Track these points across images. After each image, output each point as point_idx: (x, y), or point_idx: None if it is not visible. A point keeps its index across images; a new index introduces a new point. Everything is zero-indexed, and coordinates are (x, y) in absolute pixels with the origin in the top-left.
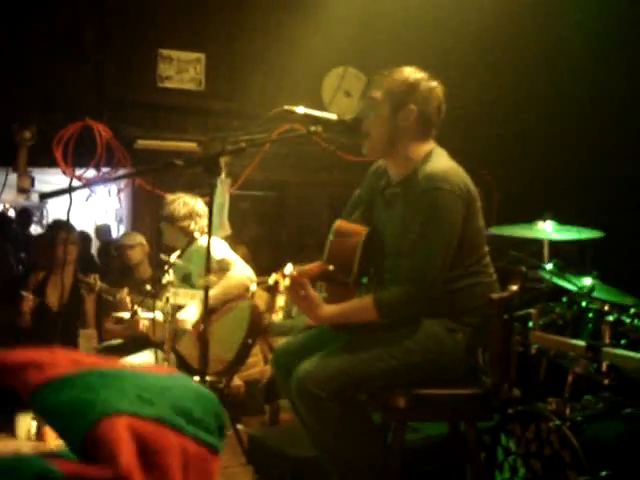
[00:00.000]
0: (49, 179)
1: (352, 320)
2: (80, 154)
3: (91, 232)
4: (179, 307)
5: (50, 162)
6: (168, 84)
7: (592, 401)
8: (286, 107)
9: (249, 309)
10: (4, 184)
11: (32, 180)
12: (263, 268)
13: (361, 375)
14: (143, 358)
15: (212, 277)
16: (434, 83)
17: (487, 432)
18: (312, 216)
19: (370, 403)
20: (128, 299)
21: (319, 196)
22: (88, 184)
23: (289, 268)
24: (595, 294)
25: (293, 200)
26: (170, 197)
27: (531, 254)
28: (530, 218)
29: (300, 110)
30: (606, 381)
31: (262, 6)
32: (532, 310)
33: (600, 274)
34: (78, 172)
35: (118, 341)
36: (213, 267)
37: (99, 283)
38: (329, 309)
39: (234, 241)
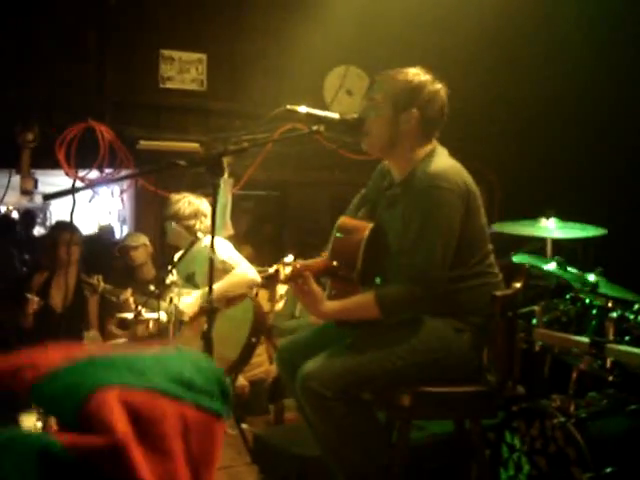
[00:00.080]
0: (52, 181)
1: (354, 316)
2: (83, 155)
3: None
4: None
5: (53, 164)
6: (170, 85)
7: (596, 398)
8: (288, 107)
9: (252, 308)
10: (7, 186)
11: (35, 182)
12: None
13: (367, 374)
14: None
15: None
16: (438, 85)
17: (492, 429)
18: (314, 215)
19: (375, 402)
20: (131, 300)
21: (321, 195)
22: (91, 185)
23: (290, 258)
24: (599, 291)
25: (295, 199)
26: (175, 196)
27: (534, 252)
28: (532, 216)
29: (302, 109)
30: (610, 377)
31: (263, 6)
32: (536, 307)
33: (604, 271)
34: (81, 173)
35: (122, 341)
36: (217, 267)
37: (102, 284)
38: (331, 305)
39: (239, 241)
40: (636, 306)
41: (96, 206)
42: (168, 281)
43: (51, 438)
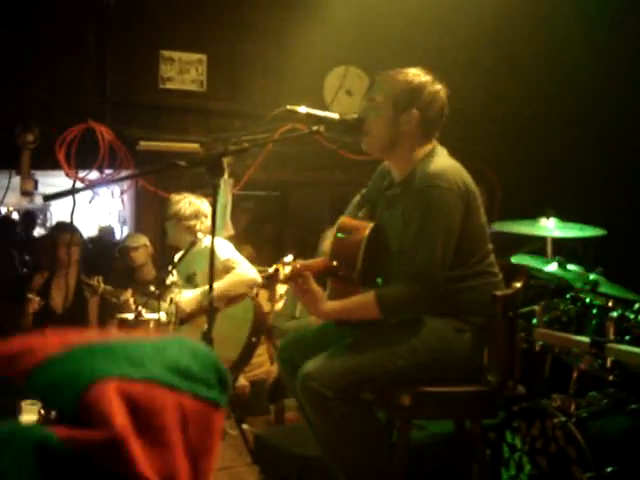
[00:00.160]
0: (52, 181)
1: (354, 316)
2: (83, 156)
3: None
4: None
5: (53, 164)
6: (170, 85)
7: (597, 397)
8: (288, 107)
9: (253, 308)
10: (7, 187)
11: (35, 183)
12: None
13: (367, 374)
14: None
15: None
16: (438, 86)
17: (492, 429)
18: (315, 216)
19: (375, 402)
20: (132, 301)
21: (321, 195)
22: (91, 186)
23: (289, 258)
24: (599, 290)
25: (295, 199)
26: (176, 197)
27: (534, 251)
28: (532, 216)
29: (302, 110)
30: (611, 377)
31: (263, 6)
32: (536, 307)
33: (604, 271)
34: (81, 174)
35: None
36: (218, 268)
37: (102, 285)
38: (331, 305)
39: (239, 241)
40: (636, 305)
41: (96, 207)
42: (168, 282)
43: (47, 431)
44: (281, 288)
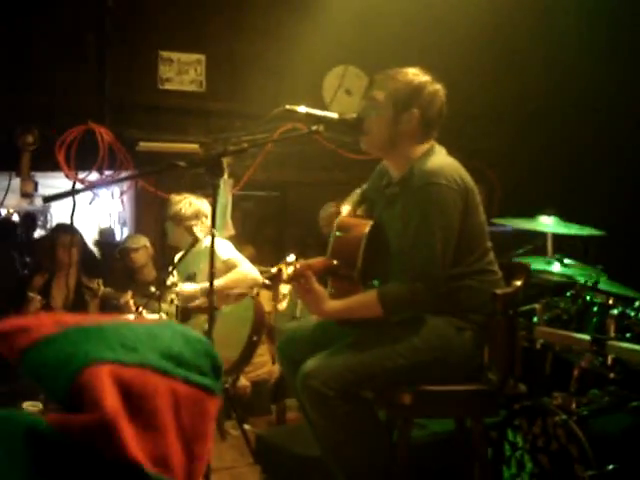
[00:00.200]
0: (52, 183)
1: (356, 315)
2: (82, 157)
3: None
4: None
5: (53, 166)
6: (169, 86)
7: (598, 395)
8: (287, 107)
9: (253, 306)
10: (7, 189)
11: (35, 184)
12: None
13: (368, 373)
14: None
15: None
16: (437, 86)
17: (494, 428)
18: (315, 216)
19: (376, 401)
20: (132, 302)
21: (321, 195)
22: (91, 187)
23: (292, 257)
24: (600, 287)
25: (295, 200)
26: (176, 197)
27: (535, 249)
28: (532, 215)
29: (301, 109)
30: (612, 375)
31: (262, 6)
32: (536, 305)
33: (604, 269)
34: (81, 175)
35: None
36: (219, 268)
37: (102, 288)
38: (333, 304)
39: (240, 241)
40: (637, 303)
41: (96, 208)
42: (169, 282)
43: (37, 417)
44: (284, 288)
